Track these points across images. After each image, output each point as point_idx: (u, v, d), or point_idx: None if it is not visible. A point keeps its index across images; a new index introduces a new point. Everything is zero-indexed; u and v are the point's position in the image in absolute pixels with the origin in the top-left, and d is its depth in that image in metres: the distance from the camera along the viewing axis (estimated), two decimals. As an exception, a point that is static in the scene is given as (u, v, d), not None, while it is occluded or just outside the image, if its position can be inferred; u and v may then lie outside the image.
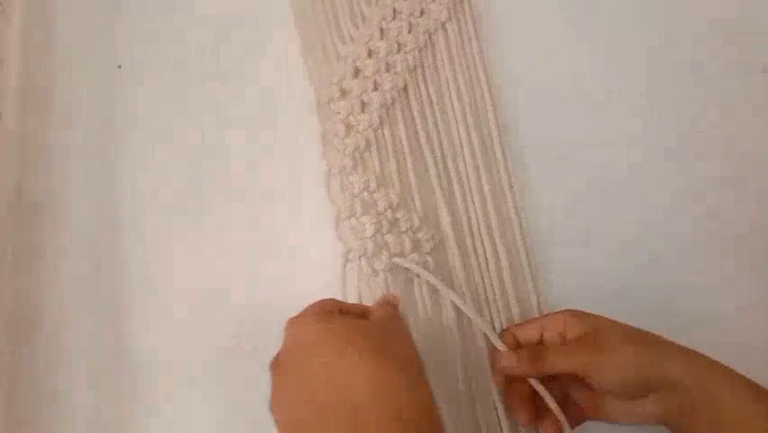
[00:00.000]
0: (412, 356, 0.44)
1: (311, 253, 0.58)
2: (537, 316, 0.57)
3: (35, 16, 0.63)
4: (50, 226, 0.57)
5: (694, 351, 0.49)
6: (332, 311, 0.47)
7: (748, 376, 0.47)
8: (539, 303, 0.57)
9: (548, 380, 0.52)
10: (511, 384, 0.53)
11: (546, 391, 0.52)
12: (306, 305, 0.48)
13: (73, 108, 0.61)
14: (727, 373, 0.48)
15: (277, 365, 0.44)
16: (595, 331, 0.50)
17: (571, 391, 0.53)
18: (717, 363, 0.48)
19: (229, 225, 0.59)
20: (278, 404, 0.42)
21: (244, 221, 0.59)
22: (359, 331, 0.44)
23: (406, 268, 0.56)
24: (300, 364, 0.43)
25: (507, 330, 0.55)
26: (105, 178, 0.59)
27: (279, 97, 0.63)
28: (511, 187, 0.60)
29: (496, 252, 0.58)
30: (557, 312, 0.54)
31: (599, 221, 0.60)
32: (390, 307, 0.50)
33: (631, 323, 0.51)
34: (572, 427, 0.52)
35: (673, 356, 0.48)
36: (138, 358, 0.54)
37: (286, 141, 0.62)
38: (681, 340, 0.49)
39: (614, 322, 0.51)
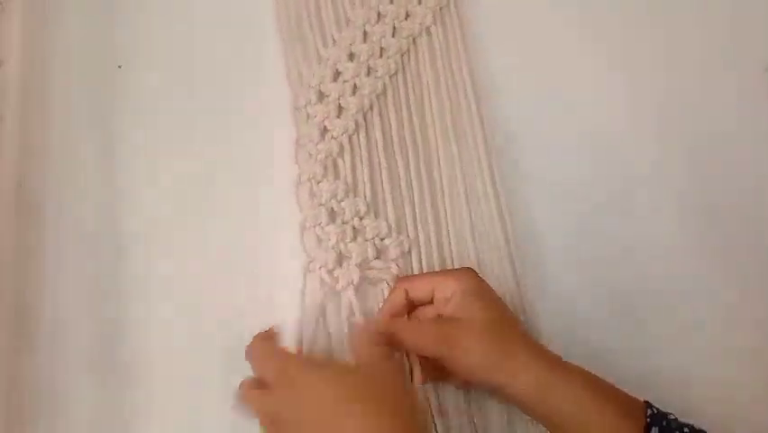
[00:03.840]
0: (403, 403, 0.45)
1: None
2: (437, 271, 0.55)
3: (35, 16, 0.61)
4: (50, 226, 0.55)
5: (548, 361, 0.47)
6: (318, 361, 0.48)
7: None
8: (525, 309, 0.55)
9: None
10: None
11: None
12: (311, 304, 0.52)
13: (73, 108, 0.59)
14: (576, 384, 0.46)
15: (280, 373, 0.45)
16: (458, 322, 0.48)
17: None
18: (570, 372, 0.46)
19: (230, 224, 0.57)
20: (272, 398, 0.45)
21: (245, 221, 0.58)
22: (351, 383, 0.45)
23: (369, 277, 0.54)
24: (294, 412, 0.44)
25: (400, 280, 0.53)
26: (105, 178, 0.57)
27: (282, 96, 0.61)
28: (495, 193, 0.58)
29: (476, 259, 0.56)
30: (453, 273, 0.52)
31: (586, 227, 0.59)
32: (379, 349, 0.48)
33: (616, 337, 0.51)
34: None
35: (519, 375, 0.46)
36: (138, 358, 0.53)
37: (288, 141, 0.60)
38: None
39: (485, 312, 0.49)
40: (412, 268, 0.56)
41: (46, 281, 0.54)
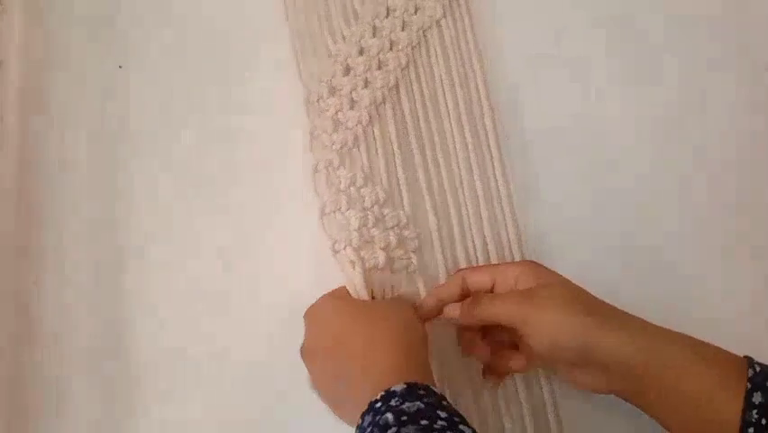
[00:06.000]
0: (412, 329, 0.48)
1: (312, 253, 0.56)
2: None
3: (35, 16, 0.61)
4: (50, 227, 0.55)
5: (641, 323, 0.45)
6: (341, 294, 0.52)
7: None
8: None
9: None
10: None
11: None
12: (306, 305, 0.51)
13: (73, 108, 0.59)
14: (675, 344, 0.44)
15: (303, 351, 0.49)
16: (540, 287, 0.47)
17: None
18: (665, 334, 0.44)
19: (230, 224, 0.57)
20: (315, 382, 0.50)
21: (246, 220, 0.57)
22: (361, 304, 0.50)
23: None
24: (319, 340, 0.49)
25: (458, 272, 0.53)
26: (105, 178, 0.57)
27: (281, 96, 0.61)
28: (507, 186, 0.58)
29: (487, 252, 0.56)
30: (514, 262, 0.52)
31: (597, 221, 0.59)
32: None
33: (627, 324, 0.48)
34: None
35: (613, 332, 0.44)
36: (138, 358, 0.52)
37: (288, 140, 0.59)
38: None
39: (565, 282, 0.48)
40: (435, 260, 0.55)
41: (46, 281, 0.54)
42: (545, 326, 0.45)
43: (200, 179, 0.58)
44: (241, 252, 0.56)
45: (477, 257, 0.56)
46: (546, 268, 0.50)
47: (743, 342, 0.44)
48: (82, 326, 0.53)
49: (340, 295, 0.52)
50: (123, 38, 0.62)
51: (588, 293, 0.47)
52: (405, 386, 0.42)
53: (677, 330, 0.45)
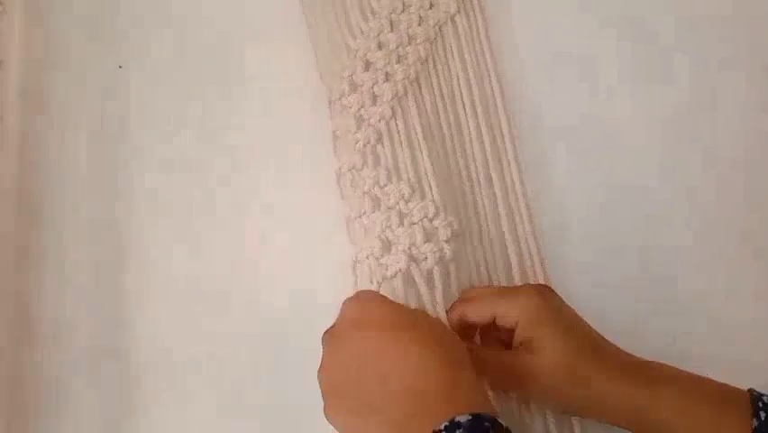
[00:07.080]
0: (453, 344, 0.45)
1: (312, 252, 0.57)
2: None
3: (35, 16, 0.61)
4: (49, 226, 0.55)
5: (640, 361, 0.46)
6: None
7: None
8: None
9: None
10: None
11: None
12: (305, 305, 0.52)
13: (73, 108, 0.59)
14: (674, 383, 0.44)
15: (328, 336, 0.46)
16: (530, 355, 0.46)
17: None
18: (664, 370, 0.45)
19: (230, 225, 0.57)
20: (323, 370, 0.44)
21: (246, 221, 0.57)
22: (405, 314, 0.46)
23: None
24: (346, 337, 0.45)
25: (458, 304, 0.50)
26: (105, 178, 0.57)
27: (281, 96, 0.61)
28: (521, 179, 0.58)
29: (504, 244, 0.56)
30: (515, 298, 0.48)
31: (605, 220, 0.59)
32: None
33: (634, 315, 0.50)
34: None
35: (612, 370, 0.45)
36: (138, 358, 0.53)
37: (288, 140, 0.60)
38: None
39: (554, 345, 0.46)
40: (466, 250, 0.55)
41: (46, 281, 0.54)
42: (532, 395, 0.48)
43: (200, 178, 0.59)
44: (241, 251, 0.56)
45: (494, 252, 0.56)
46: (544, 305, 0.47)
47: (743, 342, 0.44)
48: (82, 326, 0.53)
49: (366, 311, 0.46)
50: (123, 38, 0.62)
51: (579, 347, 0.46)
52: (470, 417, 0.37)
53: (682, 331, 0.45)
